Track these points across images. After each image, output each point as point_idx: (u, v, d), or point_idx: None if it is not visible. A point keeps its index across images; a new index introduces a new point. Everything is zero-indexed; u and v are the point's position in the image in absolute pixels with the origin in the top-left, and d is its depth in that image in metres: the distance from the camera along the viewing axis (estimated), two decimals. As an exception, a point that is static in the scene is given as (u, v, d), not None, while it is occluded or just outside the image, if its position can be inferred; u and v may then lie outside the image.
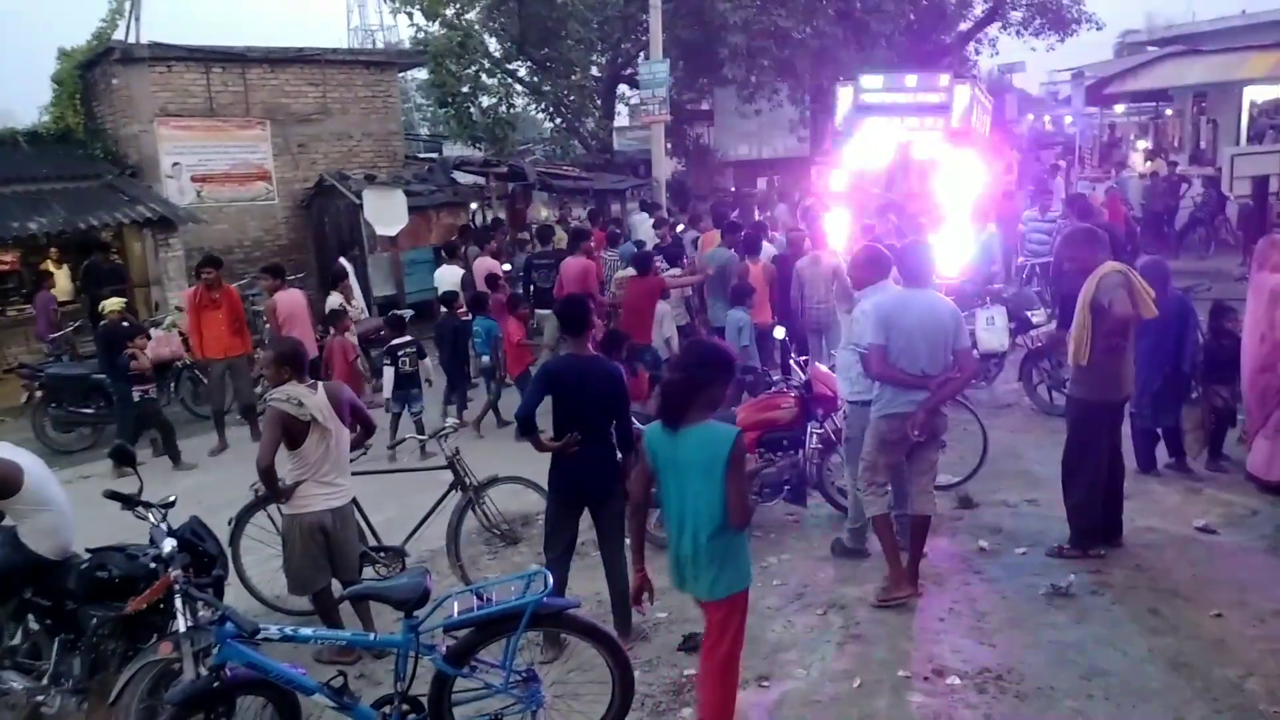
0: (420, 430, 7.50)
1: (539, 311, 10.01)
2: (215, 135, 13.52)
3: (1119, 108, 26.92)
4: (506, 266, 11.43)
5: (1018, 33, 22.37)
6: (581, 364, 4.58)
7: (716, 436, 3.30)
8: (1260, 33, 20.88)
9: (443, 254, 11.67)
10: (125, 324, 8.52)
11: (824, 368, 6.47)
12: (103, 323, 8.49)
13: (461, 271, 10.82)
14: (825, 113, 18.76)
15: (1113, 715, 3.79)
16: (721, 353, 3.51)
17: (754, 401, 6.29)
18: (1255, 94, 19.45)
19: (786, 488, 6.00)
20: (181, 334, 9.84)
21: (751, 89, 18.14)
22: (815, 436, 6.14)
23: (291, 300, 9.01)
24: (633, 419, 4.72)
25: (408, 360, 8.14)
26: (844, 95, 12.44)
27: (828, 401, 5.95)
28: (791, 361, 6.94)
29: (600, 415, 4.53)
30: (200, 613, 3.48)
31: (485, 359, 8.64)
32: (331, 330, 8.99)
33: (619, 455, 4.63)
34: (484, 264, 10.41)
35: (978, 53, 24.50)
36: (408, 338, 8.35)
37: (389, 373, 8.12)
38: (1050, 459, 5.72)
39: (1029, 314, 8.61)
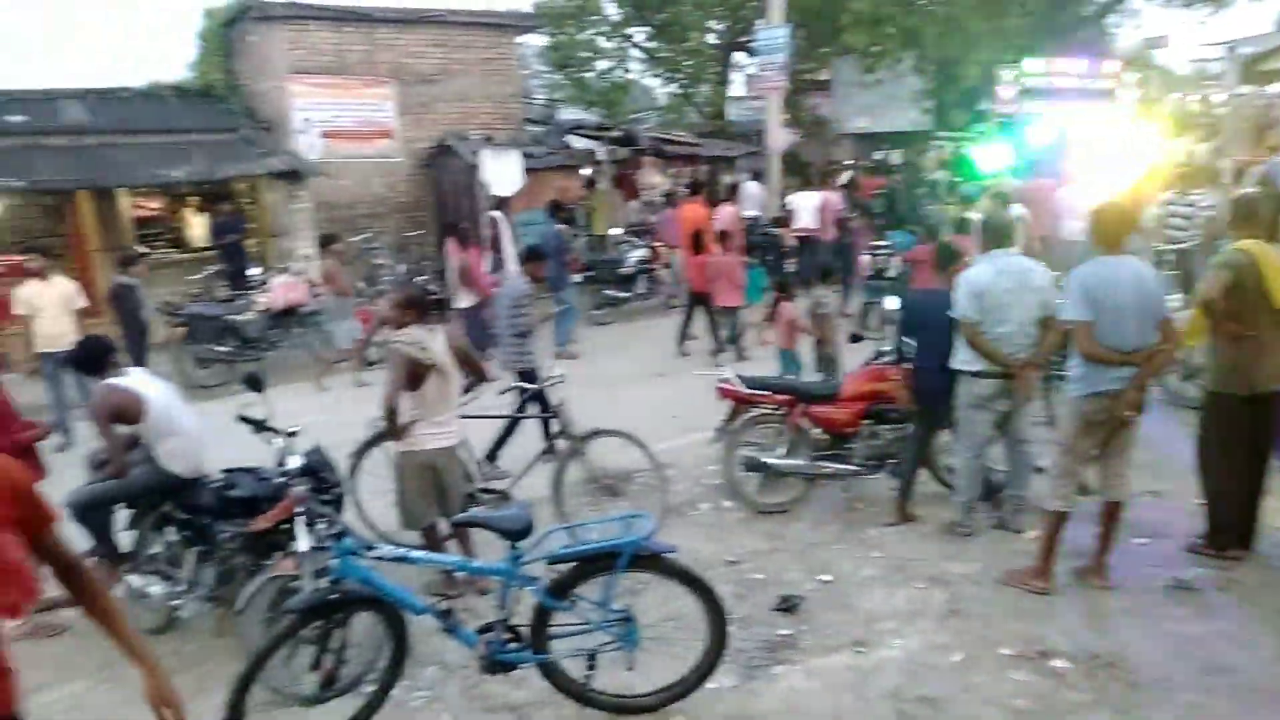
0: None
1: None
2: (343, 93, 13.99)
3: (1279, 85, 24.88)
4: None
5: (1165, 2, 20.89)
6: None
7: None
8: None
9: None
10: None
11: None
12: None
13: None
14: (951, 84, 18.02)
15: (1234, 713, 3.59)
16: None
17: (863, 371, 6.15)
18: None
19: (891, 461, 5.88)
20: (310, 281, 10.32)
21: (873, 58, 17.56)
22: (925, 411, 5.97)
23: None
24: None
25: None
26: (1005, 77, 12.41)
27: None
28: (904, 338, 6.73)
29: None
30: (320, 529, 3.66)
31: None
32: None
33: None
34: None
35: (1119, 25, 23.01)
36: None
37: None
38: (1183, 452, 5.33)
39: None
